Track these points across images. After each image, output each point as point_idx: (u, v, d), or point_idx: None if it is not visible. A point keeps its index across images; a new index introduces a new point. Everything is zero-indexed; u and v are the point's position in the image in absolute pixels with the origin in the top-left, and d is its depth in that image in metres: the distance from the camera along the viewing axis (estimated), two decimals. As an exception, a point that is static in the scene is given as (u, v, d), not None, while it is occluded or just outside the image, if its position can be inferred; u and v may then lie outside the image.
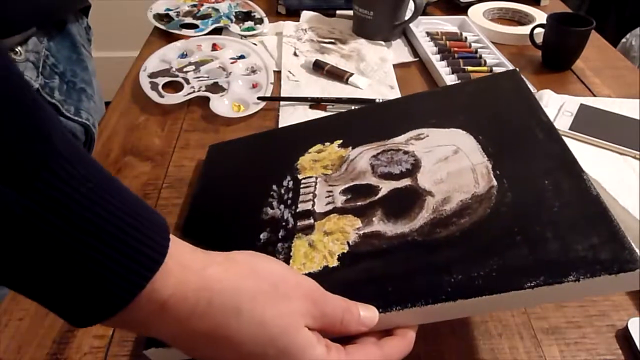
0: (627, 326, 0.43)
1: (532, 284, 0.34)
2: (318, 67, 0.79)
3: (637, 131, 0.65)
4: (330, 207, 0.46)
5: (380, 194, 0.45)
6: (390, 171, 0.47)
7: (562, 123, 0.67)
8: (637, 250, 0.34)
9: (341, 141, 0.53)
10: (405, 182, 0.46)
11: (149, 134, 0.67)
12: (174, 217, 0.54)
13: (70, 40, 0.54)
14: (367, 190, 0.46)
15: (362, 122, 0.54)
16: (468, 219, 0.40)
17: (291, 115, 0.69)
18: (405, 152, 0.48)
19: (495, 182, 0.42)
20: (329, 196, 0.47)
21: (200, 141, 0.65)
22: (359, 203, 0.45)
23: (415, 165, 0.47)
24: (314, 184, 0.49)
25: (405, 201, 0.43)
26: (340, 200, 0.46)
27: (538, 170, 0.42)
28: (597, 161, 0.61)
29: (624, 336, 0.43)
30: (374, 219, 0.43)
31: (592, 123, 0.67)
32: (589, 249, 0.35)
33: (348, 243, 0.42)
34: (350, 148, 0.51)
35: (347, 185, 0.47)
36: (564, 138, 0.66)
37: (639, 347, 0.41)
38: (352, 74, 0.77)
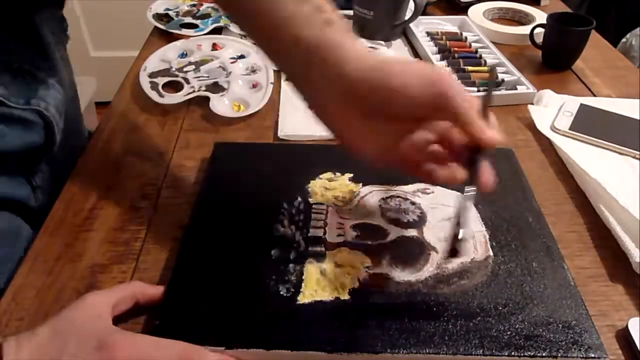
0: (627, 326, 0.43)
1: (520, 354, 0.40)
2: None
3: (637, 131, 0.65)
4: (341, 239, 0.49)
5: (389, 239, 0.49)
6: (399, 218, 0.51)
7: (562, 123, 0.67)
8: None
9: (352, 175, 0.57)
10: (412, 232, 0.50)
11: (149, 134, 0.67)
12: (174, 217, 0.54)
13: (35, 35, 0.55)
14: (376, 232, 0.50)
15: None
16: (468, 281, 0.45)
17: (291, 116, 0.69)
18: (413, 203, 0.53)
19: (491, 253, 0.48)
20: (340, 228, 0.50)
21: (200, 141, 0.65)
22: (369, 242, 0.49)
23: (422, 218, 0.51)
24: (324, 211, 0.52)
25: (412, 251, 0.48)
26: (350, 235, 0.49)
27: (527, 252, 0.48)
28: (597, 161, 0.61)
29: (624, 336, 0.43)
30: (383, 261, 0.47)
31: (592, 123, 0.67)
32: (566, 331, 0.41)
33: (358, 279, 0.45)
34: (360, 185, 0.55)
35: (357, 222, 0.51)
36: (564, 138, 0.67)
37: (639, 347, 0.41)
38: None
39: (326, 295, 0.44)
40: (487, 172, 0.40)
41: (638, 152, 0.62)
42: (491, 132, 0.39)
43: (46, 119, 0.53)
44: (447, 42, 0.87)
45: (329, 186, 0.55)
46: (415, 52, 0.87)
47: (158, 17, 0.92)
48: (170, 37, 0.87)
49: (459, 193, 0.54)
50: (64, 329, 0.38)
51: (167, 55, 0.80)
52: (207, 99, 0.70)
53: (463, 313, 0.42)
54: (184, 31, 0.88)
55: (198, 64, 0.78)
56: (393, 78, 0.38)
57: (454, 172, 0.41)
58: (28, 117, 0.52)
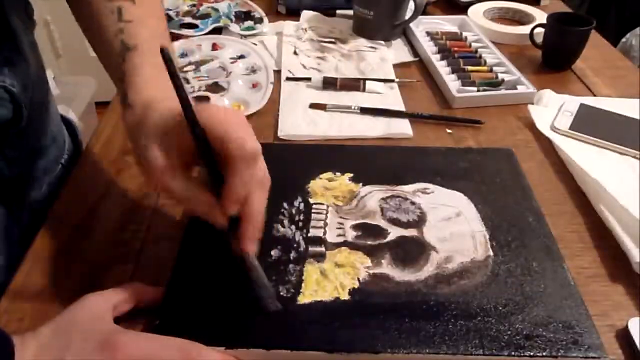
0: (627, 326, 0.43)
1: (520, 354, 0.40)
2: (329, 84, 0.76)
3: (637, 131, 0.65)
4: (341, 239, 0.49)
5: (389, 238, 0.49)
6: (399, 218, 0.51)
7: (562, 123, 0.67)
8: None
9: (352, 175, 0.57)
10: (412, 232, 0.50)
11: (148, 133, 0.67)
12: (174, 217, 0.54)
13: (3, 19, 0.55)
14: (376, 231, 0.50)
15: (373, 162, 0.59)
16: (468, 281, 0.45)
17: (291, 116, 0.69)
18: (413, 203, 0.53)
19: (491, 253, 0.48)
20: (340, 228, 0.50)
21: (200, 141, 0.65)
22: (369, 242, 0.49)
23: (422, 218, 0.51)
24: (324, 211, 0.52)
25: (412, 251, 0.48)
26: (351, 235, 0.49)
27: (527, 252, 0.48)
28: (597, 161, 0.61)
29: (624, 336, 0.43)
30: (382, 261, 0.47)
31: (592, 123, 0.67)
32: (566, 331, 0.41)
33: (358, 279, 0.45)
34: (360, 184, 0.55)
35: (357, 222, 0.51)
36: (564, 138, 0.67)
37: (639, 347, 0.41)
38: (365, 80, 0.76)
39: (326, 295, 0.44)
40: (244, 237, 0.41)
41: (638, 152, 0.62)
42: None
43: (12, 95, 0.54)
44: (447, 42, 0.87)
45: (329, 186, 0.55)
46: (415, 52, 0.87)
47: (158, 17, 0.92)
48: (170, 37, 0.86)
49: (459, 193, 0.54)
50: (66, 329, 0.38)
51: (167, 55, 0.80)
52: (207, 99, 0.70)
53: (463, 313, 0.42)
54: (184, 31, 0.88)
55: (198, 64, 0.78)
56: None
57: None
58: None
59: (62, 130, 0.68)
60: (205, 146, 0.38)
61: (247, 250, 0.41)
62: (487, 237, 0.50)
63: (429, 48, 0.84)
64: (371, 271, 0.46)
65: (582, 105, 0.70)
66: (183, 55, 0.81)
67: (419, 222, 0.51)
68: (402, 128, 0.68)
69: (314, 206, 0.53)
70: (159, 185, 0.40)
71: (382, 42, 0.88)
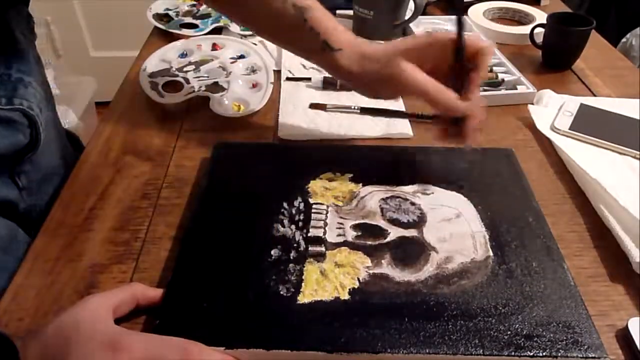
0: (627, 326, 0.43)
1: (520, 354, 0.40)
2: (329, 84, 0.75)
3: (637, 131, 0.65)
4: (341, 239, 0.49)
5: (389, 238, 0.49)
6: (399, 218, 0.51)
7: (562, 123, 0.67)
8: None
9: (352, 175, 0.57)
10: (412, 232, 0.50)
11: (149, 134, 0.67)
12: (174, 217, 0.54)
13: (6, 35, 0.54)
14: (376, 232, 0.50)
15: (373, 162, 0.59)
16: (468, 281, 0.45)
17: (291, 116, 0.69)
18: (413, 204, 0.53)
19: (491, 253, 0.48)
20: (340, 228, 0.50)
21: (200, 141, 0.65)
22: (369, 242, 0.49)
23: (422, 219, 0.51)
24: (324, 211, 0.52)
25: (412, 251, 0.48)
26: (351, 235, 0.49)
27: (527, 252, 0.48)
28: (597, 161, 0.61)
29: (624, 336, 0.43)
30: (383, 261, 0.47)
31: (592, 123, 0.67)
32: (566, 331, 0.41)
33: (358, 279, 0.45)
34: (360, 185, 0.55)
35: (357, 222, 0.51)
36: (564, 138, 0.67)
37: (639, 347, 0.41)
38: None
39: (326, 295, 0.44)
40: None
41: (638, 152, 0.62)
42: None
43: (30, 118, 0.53)
44: (447, 42, 0.86)
45: (329, 186, 0.55)
46: (415, 52, 0.87)
47: (158, 17, 0.92)
48: (170, 37, 0.87)
49: (459, 194, 0.54)
50: (68, 330, 0.38)
51: (167, 55, 0.80)
52: (207, 99, 0.70)
53: (463, 313, 0.42)
54: (184, 31, 0.88)
55: (198, 64, 0.78)
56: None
57: None
58: (13, 117, 0.51)
59: (68, 148, 0.68)
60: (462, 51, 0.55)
61: (468, 143, 0.54)
62: (487, 237, 0.50)
63: (429, 48, 0.84)
64: (371, 271, 0.46)
65: (582, 105, 0.70)
66: (183, 55, 0.81)
67: (419, 222, 0.51)
68: (402, 128, 0.68)
69: (314, 206, 0.53)
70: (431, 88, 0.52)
71: (382, 42, 0.88)
